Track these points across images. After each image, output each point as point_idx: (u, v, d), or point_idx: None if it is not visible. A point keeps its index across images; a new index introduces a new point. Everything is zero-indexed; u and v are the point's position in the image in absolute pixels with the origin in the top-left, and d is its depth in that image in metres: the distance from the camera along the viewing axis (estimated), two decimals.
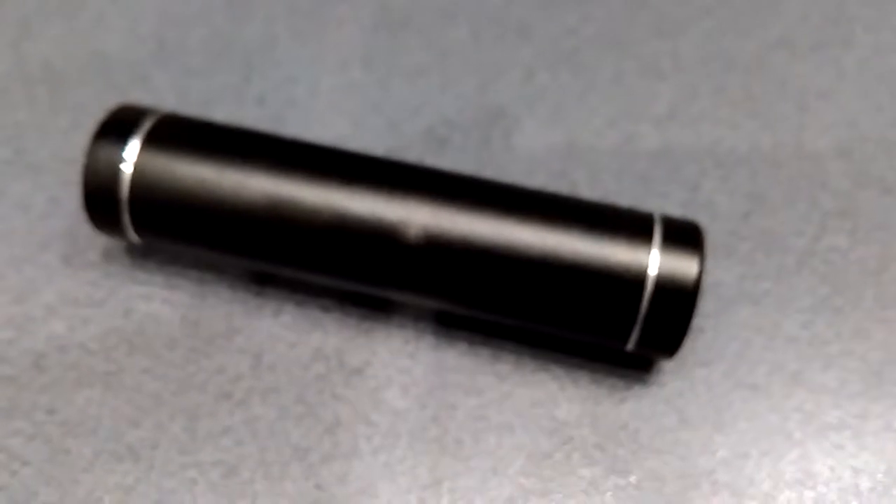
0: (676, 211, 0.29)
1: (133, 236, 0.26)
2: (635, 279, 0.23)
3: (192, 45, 0.33)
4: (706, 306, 0.27)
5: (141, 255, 0.28)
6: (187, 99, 0.31)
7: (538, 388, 0.25)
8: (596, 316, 0.23)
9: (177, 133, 0.25)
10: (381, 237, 0.24)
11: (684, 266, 0.23)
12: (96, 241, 0.28)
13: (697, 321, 0.27)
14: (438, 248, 0.23)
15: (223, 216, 0.24)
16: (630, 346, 0.24)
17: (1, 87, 0.32)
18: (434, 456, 0.24)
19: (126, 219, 0.25)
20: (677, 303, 0.23)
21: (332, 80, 0.32)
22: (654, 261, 0.23)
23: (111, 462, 0.24)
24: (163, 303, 0.27)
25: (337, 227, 0.24)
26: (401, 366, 0.26)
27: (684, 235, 0.24)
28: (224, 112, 0.31)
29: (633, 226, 0.24)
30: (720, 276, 0.28)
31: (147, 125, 0.25)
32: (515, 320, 0.24)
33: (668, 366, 0.26)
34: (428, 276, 0.24)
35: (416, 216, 0.23)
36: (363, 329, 0.26)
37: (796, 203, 0.29)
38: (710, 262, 0.28)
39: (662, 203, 0.29)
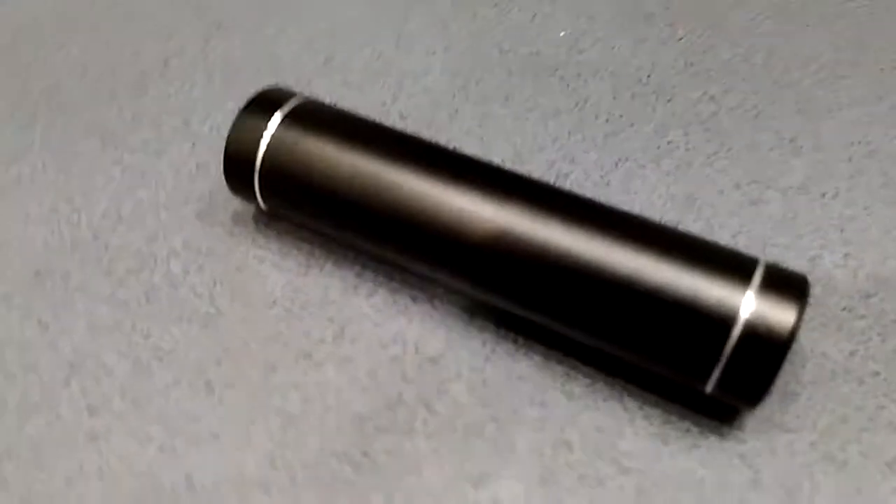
0: None
1: (260, 201, 0.28)
2: (725, 317, 0.22)
3: (355, 63, 0.36)
4: (807, 374, 0.25)
5: (265, 223, 0.30)
6: (340, 106, 0.34)
7: (606, 414, 0.25)
8: (678, 348, 0.23)
9: (314, 115, 0.28)
10: (478, 234, 0.24)
11: (780, 314, 0.22)
12: (229, 206, 0.31)
13: (795, 387, 0.25)
14: (531, 257, 0.24)
15: (338, 193, 0.26)
16: (710, 387, 0.23)
17: (187, 67, 0.36)
18: (485, 454, 0.24)
19: (256, 184, 0.27)
20: (766, 349, 0.22)
21: (472, 108, 0.34)
22: (749, 302, 0.22)
23: (186, 391, 0.26)
24: (272, 266, 0.29)
25: (433, 215, 0.25)
26: (473, 364, 0.26)
27: (787, 284, 0.23)
28: None
29: (733, 265, 0.23)
30: (828, 348, 0.26)
31: (289, 105, 0.28)
32: (595, 338, 0.24)
33: (751, 423, 0.24)
34: (517, 281, 0.24)
35: (511, 223, 0.24)
36: (446, 324, 0.27)
37: None
38: (819, 333, 0.26)
39: None
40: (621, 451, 0.24)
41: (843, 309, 0.27)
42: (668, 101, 0.34)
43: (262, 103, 0.28)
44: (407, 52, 0.37)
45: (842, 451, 0.24)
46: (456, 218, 0.24)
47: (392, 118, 0.34)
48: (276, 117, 0.27)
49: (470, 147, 0.32)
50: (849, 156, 0.31)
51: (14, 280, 0.29)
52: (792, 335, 0.22)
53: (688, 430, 0.24)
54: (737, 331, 0.22)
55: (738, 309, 0.22)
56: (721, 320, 0.22)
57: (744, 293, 0.22)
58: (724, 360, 0.22)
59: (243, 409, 0.25)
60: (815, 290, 0.27)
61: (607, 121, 0.33)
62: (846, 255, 0.28)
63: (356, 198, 0.26)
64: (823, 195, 0.30)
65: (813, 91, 0.34)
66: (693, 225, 0.29)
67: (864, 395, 0.25)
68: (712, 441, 0.24)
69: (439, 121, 0.34)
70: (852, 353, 0.26)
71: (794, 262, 0.28)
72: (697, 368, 0.23)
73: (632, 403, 0.25)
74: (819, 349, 0.26)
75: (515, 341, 0.26)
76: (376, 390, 0.25)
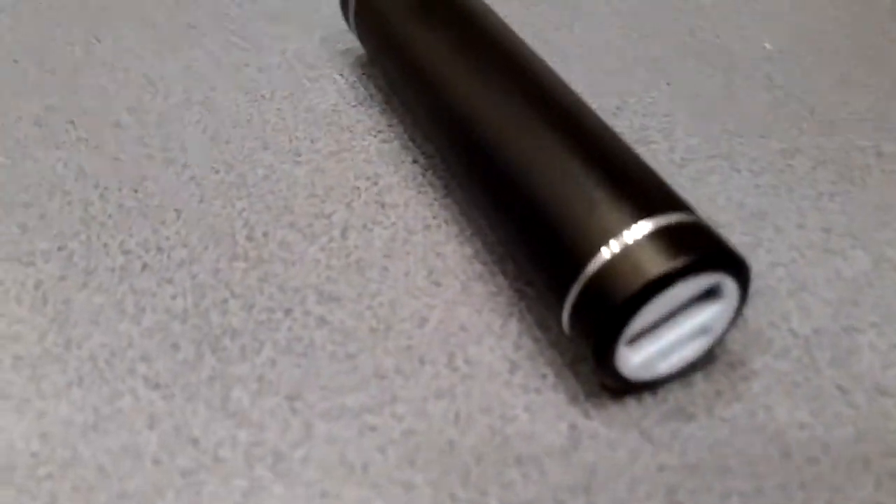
0: None
1: (352, 26, 0.30)
2: (591, 245, 0.18)
3: None
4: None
5: (362, 63, 0.32)
6: None
7: (482, 322, 0.22)
8: (547, 271, 0.20)
9: None
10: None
11: (653, 261, 0.18)
12: (349, 42, 0.33)
13: (698, 409, 0.20)
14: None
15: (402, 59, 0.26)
16: (565, 327, 0.19)
17: None
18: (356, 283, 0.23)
19: (352, 23, 0.29)
20: (611, 295, 0.18)
21: (603, 46, 0.32)
22: (624, 239, 0.18)
23: (180, 110, 0.28)
24: (336, 90, 0.30)
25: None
26: (410, 226, 0.25)
27: (703, 245, 0.18)
28: None
29: (655, 201, 0.19)
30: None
31: None
32: (495, 224, 0.22)
33: (615, 411, 0.20)
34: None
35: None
36: (417, 187, 0.26)
37: None
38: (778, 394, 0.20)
39: None
40: (464, 353, 0.21)
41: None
42: (826, 134, 0.29)
43: None
44: None
45: (682, 488, 0.18)
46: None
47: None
48: None
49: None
50: None
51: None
52: (646, 288, 0.17)
53: (543, 375, 0.21)
54: (594, 264, 0.18)
55: (611, 240, 0.18)
56: (587, 248, 0.18)
57: (629, 227, 0.18)
58: (572, 296, 0.19)
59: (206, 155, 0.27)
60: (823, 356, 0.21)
61: (730, 115, 0.29)
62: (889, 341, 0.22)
63: (400, 49, 0.26)
64: None
65: None
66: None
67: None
68: (557, 393, 0.20)
69: (553, 38, 0.32)
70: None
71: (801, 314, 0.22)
72: (555, 298, 0.19)
73: (516, 328, 0.22)
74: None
75: (452, 222, 0.25)
76: (322, 198, 0.26)
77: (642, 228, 0.18)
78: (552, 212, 0.20)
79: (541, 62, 0.24)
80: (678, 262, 0.18)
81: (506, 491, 0.18)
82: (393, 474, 0.19)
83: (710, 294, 0.19)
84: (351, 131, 0.28)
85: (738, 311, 0.20)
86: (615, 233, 0.18)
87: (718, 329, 0.20)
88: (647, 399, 0.20)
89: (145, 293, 0.23)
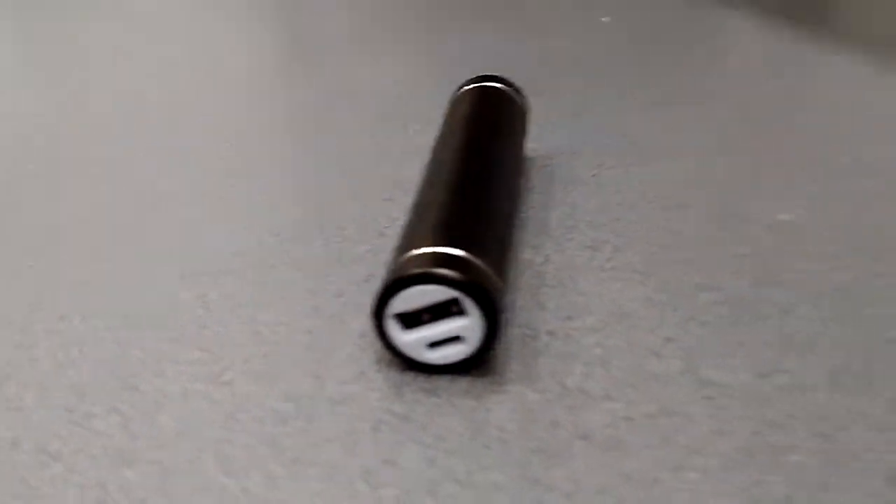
0: None
1: None
2: (419, 243, 0.29)
3: None
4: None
5: None
6: None
7: None
8: (398, 248, 0.30)
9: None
10: None
11: (424, 265, 0.27)
12: None
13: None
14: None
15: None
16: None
17: None
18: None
19: None
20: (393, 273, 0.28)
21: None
22: (434, 249, 0.28)
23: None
24: None
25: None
26: None
27: (460, 271, 0.27)
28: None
29: (475, 243, 0.29)
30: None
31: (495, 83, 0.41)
32: None
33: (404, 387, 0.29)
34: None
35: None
36: None
37: None
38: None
39: None
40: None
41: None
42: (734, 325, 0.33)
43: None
44: None
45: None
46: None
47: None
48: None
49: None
50: None
51: None
52: (406, 278, 0.27)
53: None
54: (408, 254, 0.28)
55: (424, 247, 0.28)
56: (415, 244, 0.29)
57: (441, 245, 0.28)
58: (389, 271, 0.29)
59: None
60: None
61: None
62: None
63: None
64: None
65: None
66: None
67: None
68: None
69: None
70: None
71: None
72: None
73: None
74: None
75: None
76: None
77: (446, 249, 0.28)
78: (426, 217, 0.30)
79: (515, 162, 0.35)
80: (431, 270, 0.27)
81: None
82: None
83: (460, 311, 0.27)
84: None
85: (490, 333, 0.27)
86: (431, 244, 0.28)
87: (473, 341, 0.28)
88: (420, 377, 0.29)
89: None
